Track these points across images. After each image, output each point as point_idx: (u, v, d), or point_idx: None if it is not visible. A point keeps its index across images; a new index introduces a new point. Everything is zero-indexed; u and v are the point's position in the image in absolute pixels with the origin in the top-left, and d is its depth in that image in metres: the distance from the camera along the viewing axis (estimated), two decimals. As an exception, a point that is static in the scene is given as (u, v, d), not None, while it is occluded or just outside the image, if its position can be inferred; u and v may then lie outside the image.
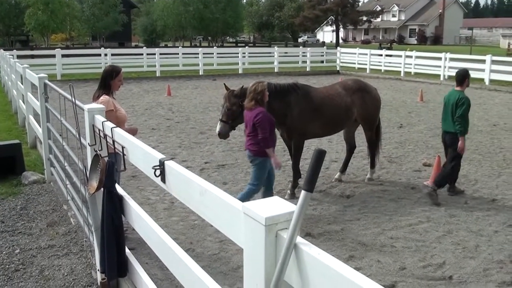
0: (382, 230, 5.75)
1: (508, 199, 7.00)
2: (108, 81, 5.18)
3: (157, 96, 17.90)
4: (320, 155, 1.52)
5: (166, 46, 49.41)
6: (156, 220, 5.56)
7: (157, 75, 24.82)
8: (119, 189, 3.71)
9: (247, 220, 1.73)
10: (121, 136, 3.35)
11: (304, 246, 1.55)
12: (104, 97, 5.08)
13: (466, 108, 6.74)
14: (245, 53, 28.63)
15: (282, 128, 6.85)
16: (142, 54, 25.96)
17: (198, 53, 26.82)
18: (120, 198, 3.59)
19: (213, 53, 28.07)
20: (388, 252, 5.17)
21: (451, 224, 6.01)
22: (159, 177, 2.66)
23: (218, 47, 39.12)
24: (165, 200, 6.62)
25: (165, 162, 2.62)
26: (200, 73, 25.85)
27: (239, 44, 49.83)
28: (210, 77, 24.71)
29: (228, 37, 68.81)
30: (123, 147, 3.29)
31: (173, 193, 2.62)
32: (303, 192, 1.54)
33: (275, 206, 1.71)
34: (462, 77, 6.96)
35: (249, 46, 38.10)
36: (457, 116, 6.72)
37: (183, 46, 42.42)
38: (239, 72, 26.85)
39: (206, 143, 10.21)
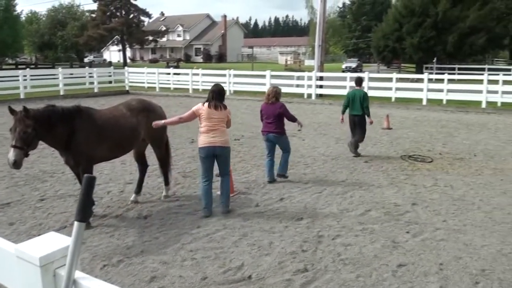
0: (182, 244, 5.84)
1: (294, 197, 7.82)
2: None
3: None
4: (89, 182, 1.47)
5: None
6: None
7: None
8: None
9: (21, 264, 1.59)
10: None
11: (83, 280, 1.49)
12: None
13: (368, 99, 10.85)
14: (26, 75, 26.06)
15: (67, 155, 6.42)
16: None
17: (-32, 78, 23.57)
18: None
19: (-13, 77, 24.96)
20: (189, 265, 5.27)
21: (246, 227, 6.42)
22: None
23: (-7, 70, 34.99)
24: None
25: None
26: (-27, 101, 22.70)
27: (19, 66, 45.27)
28: (-16, 105, 21.88)
29: (6, 59, 62.11)
30: None
31: None
32: (75, 224, 1.47)
33: (50, 243, 1.61)
34: (361, 80, 11.31)
35: (31, 68, 34.96)
36: (366, 105, 10.63)
37: None
38: (21, 97, 24.31)
39: (-17, 180, 9.01)
